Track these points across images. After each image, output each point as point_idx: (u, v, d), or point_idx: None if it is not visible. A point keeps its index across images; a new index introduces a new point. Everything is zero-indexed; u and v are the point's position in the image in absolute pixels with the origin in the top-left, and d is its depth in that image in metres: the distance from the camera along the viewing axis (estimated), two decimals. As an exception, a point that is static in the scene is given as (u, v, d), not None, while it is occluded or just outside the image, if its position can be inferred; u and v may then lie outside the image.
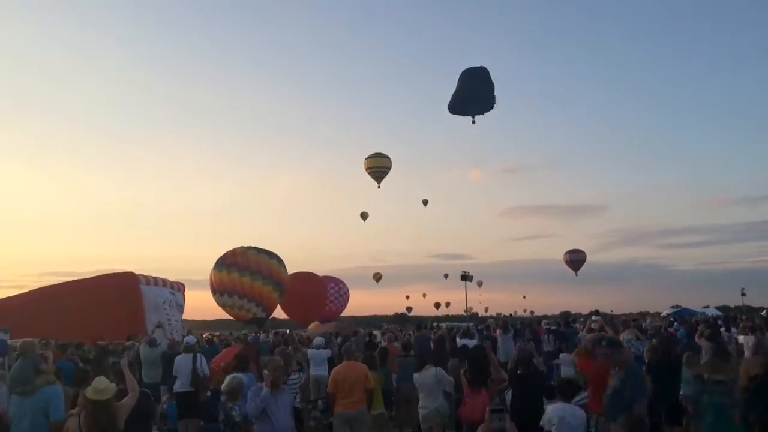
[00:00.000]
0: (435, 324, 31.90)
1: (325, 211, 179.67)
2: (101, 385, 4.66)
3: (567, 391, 5.58)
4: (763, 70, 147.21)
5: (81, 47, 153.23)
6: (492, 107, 16.83)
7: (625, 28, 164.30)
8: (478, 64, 17.55)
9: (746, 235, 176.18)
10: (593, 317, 20.96)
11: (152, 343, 11.58)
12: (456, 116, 17.54)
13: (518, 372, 6.86)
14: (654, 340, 9.28)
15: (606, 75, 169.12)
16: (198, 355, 9.32)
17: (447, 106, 17.21)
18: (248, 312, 24.97)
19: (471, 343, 11.30)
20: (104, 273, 24.19)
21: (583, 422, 5.41)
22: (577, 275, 42.52)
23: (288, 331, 25.35)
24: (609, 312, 48.46)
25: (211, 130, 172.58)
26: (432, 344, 12.09)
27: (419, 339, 13.54)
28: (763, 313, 31.87)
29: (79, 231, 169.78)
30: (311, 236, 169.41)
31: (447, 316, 75.95)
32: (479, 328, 19.37)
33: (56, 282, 27.15)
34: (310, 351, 11.52)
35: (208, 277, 26.06)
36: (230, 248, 25.83)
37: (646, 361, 7.79)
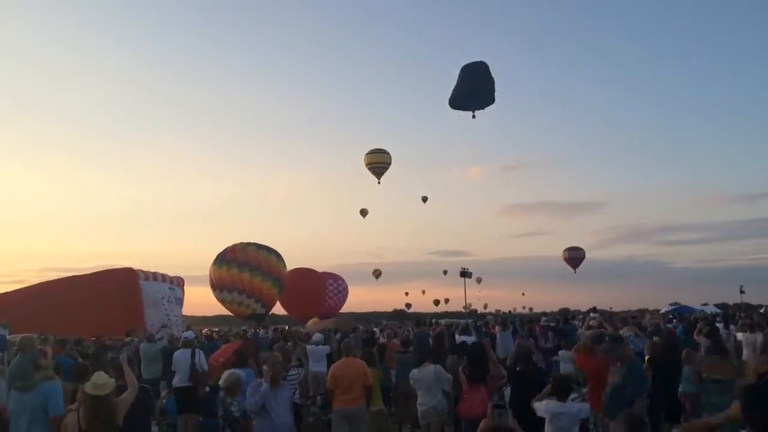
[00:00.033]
0: (434, 320, 31.90)
1: (325, 211, 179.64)
2: (100, 381, 4.67)
3: (563, 389, 5.48)
4: (763, 70, 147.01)
5: (81, 47, 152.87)
6: (492, 102, 16.83)
7: (625, 28, 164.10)
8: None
9: (745, 233, 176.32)
10: (591, 314, 20.97)
11: (151, 339, 11.60)
12: (456, 112, 17.57)
13: (517, 368, 6.87)
14: (656, 337, 9.28)
15: (606, 75, 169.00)
16: (196, 350, 9.34)
17: (447, 101, 17.23)
18: (247, 308, 25.00)
19: (470, 339, 11.31)
20: (103, 269, 24.22)
21: (578, 415, 5.37)
22: (575, 272, 42.66)
23: (287, 327, 25.43)
24: (608, 309, 48.51)
25: (211, 130, 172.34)
26: (431, 341, 12.10)
27: (418, 335, 13.55)
28: (761, 311, 31.98)
29: (79, 230, 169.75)
30: (311, 233, 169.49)
31: (446, 312, 76.05)
32: (478, 324, 19.38)
33: (56, 277, 27.19)
34: (309, 347, 11.52)
35: (207, 273, 26.13)
36: (230, 245, 25.88)
37: (647, 357, 7.80)
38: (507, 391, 7.04)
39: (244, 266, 24.69)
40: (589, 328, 10.83)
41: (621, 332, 9.50)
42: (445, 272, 70.08)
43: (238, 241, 26.11)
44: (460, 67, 17.21)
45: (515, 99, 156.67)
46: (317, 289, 34.42)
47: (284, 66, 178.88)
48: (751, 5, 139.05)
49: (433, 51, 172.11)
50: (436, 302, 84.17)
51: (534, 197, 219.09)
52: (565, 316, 25.10)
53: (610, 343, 6.23)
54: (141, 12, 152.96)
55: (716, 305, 44.38)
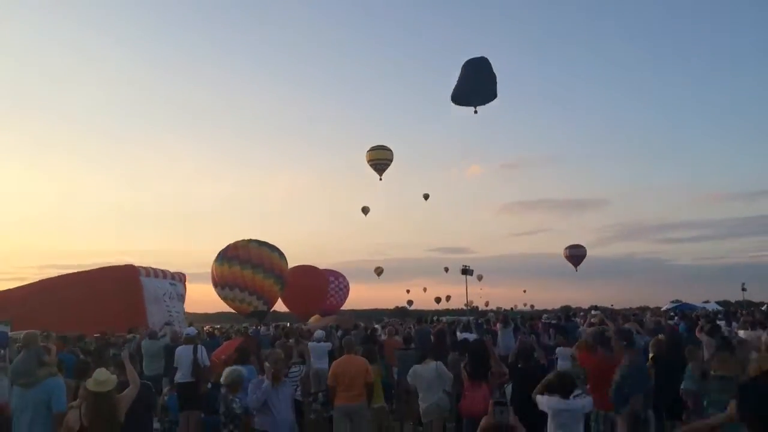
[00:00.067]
0: (435, 318, 31.91)
1: (326, 210, 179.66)
2: (102, 377, 4.68)
3: (566, 386, 5.36)
4: (763, 70, 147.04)
5: (81, 47, 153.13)
6: (494, 97, 16.81)
7: (625, 28, 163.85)
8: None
9: (744, 230, 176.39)
10: (593, 311, 20.98)
11: (153, 336, 11.60)
12: (457, 109, 17.55)
13: (519, 366, 6.86)
14: (660, 334, 9.26)
15: (606, 74, 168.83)
16: (198, 346, 9.35)
17: (450, 97, 17.22)
18: (249, 305, 25.02)
19: (471, 337, 11.30)
20: (105, 266, 24.28)
21: (582, 410, 5.34)
22: (577, 270, 42.62)
23: (288, 324, 25.43)
24: (609, 307, 48.52)
25: (211, 130, 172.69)
26: (432, 338, 12.10)
27: (420, 332, 13.54)
28: (763, 308, 31.91)
29: (79, 230, 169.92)
30: (311, 232, 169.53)
31: (447, 310, 76.22)
32: (479, 322, 19.35)
33: (57, 274, 27.26)
34: (310, 344, 11.53)
35: (209, 270, 26.15)
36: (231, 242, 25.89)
37: (651, 354, 7.79)
38: (508, 389, 7.02)
39: (246, 263, 24.70)
40: (591, 325, 10.82)
41: (623, 329, 9.49)
42: (446, 269, 70.42)
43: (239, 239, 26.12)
44: (462, 64, 17.22)
45: (515, 98, 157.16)
46: (319, 287, 34.43)
47: (284, 66, 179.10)
48: (751, 5, 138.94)
49: (433, 51, 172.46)
50: (438, 299, 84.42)
51: (534, 195, 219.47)
52: (567, 313, 25.08)
53: (618, 335, 6.25)
54: (141, 12, 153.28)
55: (718, 303, 44.39)
